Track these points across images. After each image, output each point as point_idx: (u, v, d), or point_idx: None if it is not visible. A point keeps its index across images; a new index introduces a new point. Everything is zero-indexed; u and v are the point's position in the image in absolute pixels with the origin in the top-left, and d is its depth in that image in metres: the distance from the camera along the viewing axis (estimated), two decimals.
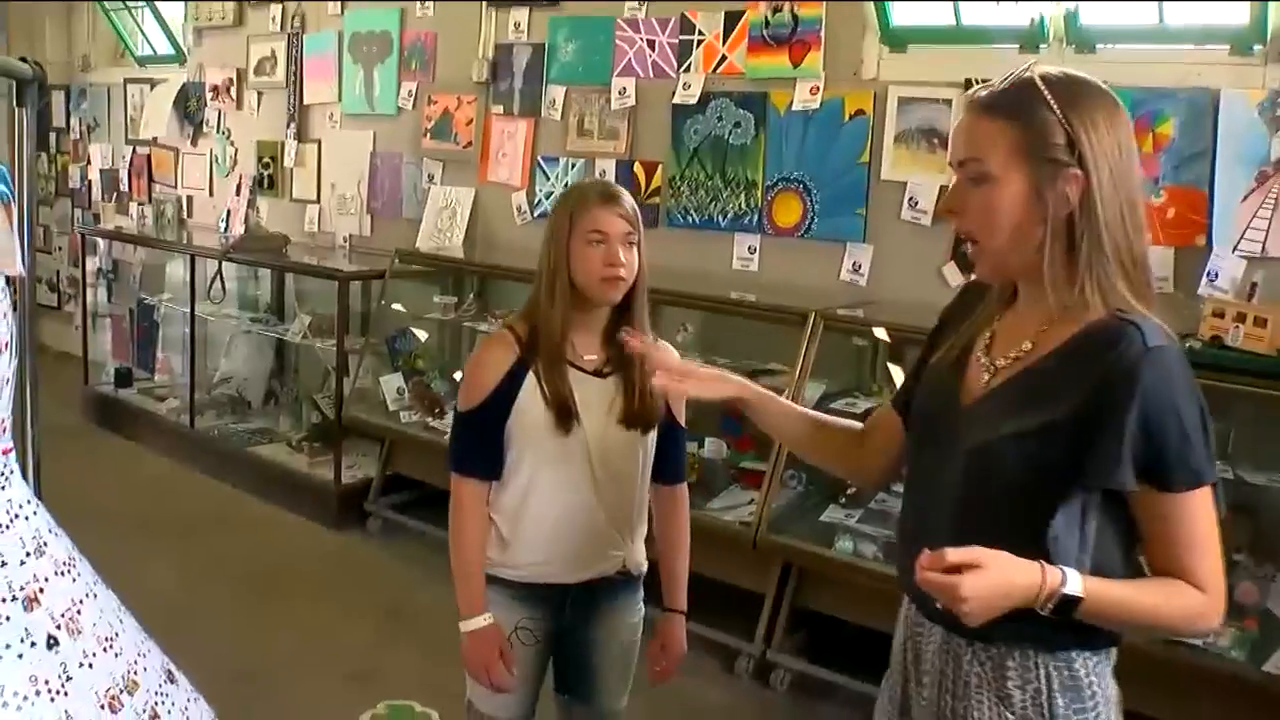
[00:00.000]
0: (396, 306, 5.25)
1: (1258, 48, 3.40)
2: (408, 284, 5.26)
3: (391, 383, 4.98)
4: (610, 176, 4.81)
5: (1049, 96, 1.42)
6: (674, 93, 4.61)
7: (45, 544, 1.69)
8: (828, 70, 4.23)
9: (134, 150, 7.60)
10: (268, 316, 6.20)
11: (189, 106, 7.03)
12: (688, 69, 4.58)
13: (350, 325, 5.32)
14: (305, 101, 6.21)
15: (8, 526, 1.62)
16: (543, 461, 2.17)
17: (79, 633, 1.67)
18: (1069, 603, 1.35)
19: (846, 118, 4.19)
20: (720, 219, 4.54)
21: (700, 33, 4.55)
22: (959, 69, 3.86)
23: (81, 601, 1.72)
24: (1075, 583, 1.35)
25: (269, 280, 6.33)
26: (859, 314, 3.93)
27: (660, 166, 4.70)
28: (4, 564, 1.59)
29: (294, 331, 5.75)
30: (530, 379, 2.14)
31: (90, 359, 6.94)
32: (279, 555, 4.76)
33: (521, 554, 2.20)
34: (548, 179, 5.06)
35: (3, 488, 1.64)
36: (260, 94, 6.51)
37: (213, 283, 5.90)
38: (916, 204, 4.04)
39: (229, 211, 6.51)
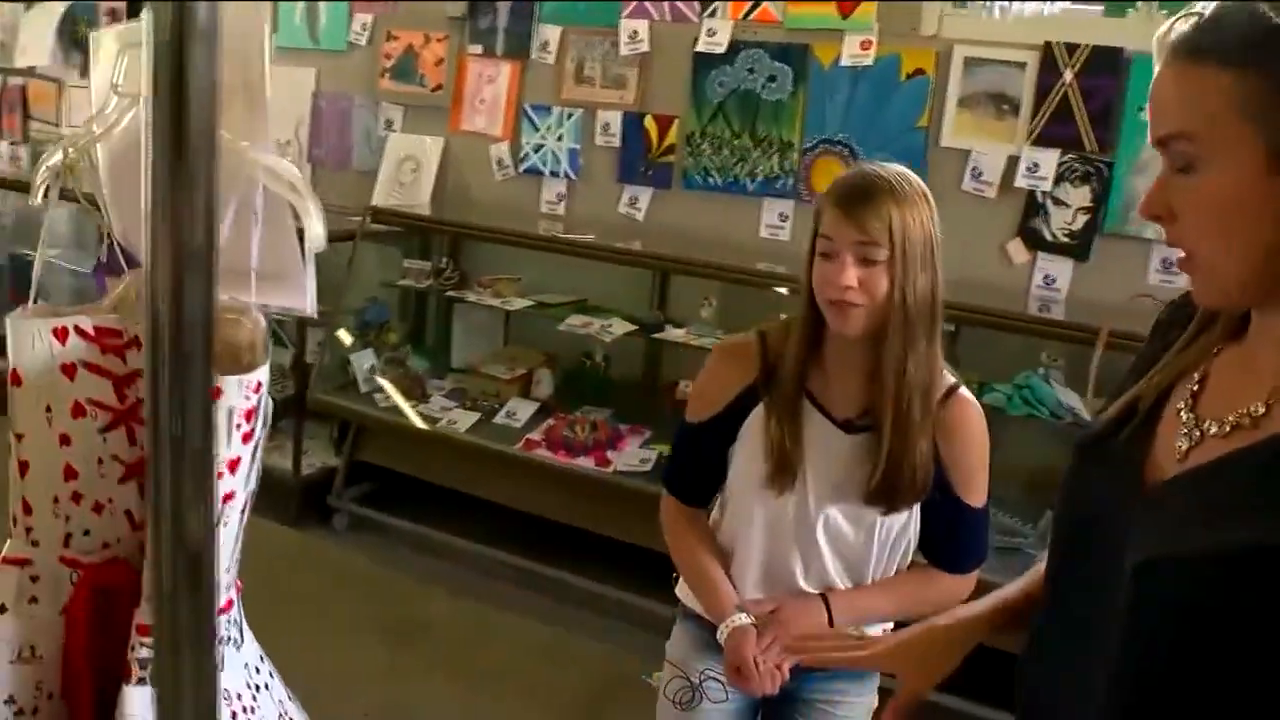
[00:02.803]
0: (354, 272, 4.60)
1: None
2: (370, 246, 4.62)
3: (363, 360, 4.34)
4: (615, 129, 4.30)
5: None
6: (696, 39, 4.11)
7: None
8: (881, 24, 3.81)
9: (4, 81, 6.61)
10: None
11: (76, 32, 6.11)
12: (713, 13, 4.09)
13: None
14: None
15: (252, 710, 1.07)
16: (748, 515, 1.77)
17: None
18: None
19: (903, 77, 3.78)
20: (748, 182, 4.09)
21: None
22: (1038, 30, 3.52)
23: None
24: None
25: None
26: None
27: (676, 121, 4.20)
28: None
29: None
30: (760, 411, 1.73)
31: None
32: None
33: None
34: (537, 130, 4.50)
35: (237, 644, 1.09)
36: None
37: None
38: (980, 174, 3.68)
39: None
